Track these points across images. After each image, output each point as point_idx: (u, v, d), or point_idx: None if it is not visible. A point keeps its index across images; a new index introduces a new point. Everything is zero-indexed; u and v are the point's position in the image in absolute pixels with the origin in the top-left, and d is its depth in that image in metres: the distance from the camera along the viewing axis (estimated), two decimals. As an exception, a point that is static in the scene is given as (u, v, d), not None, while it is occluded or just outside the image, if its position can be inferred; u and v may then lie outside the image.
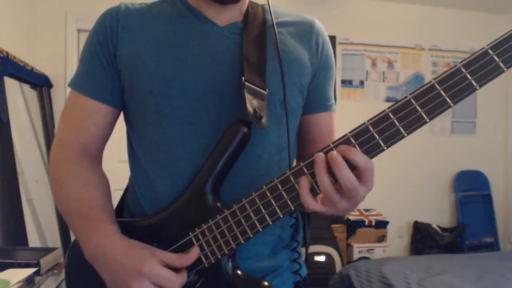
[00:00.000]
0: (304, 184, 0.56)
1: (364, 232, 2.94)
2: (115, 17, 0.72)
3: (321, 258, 2.62)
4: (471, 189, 3.37)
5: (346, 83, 3.23)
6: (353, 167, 0.53)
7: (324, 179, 0.54)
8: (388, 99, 3.27)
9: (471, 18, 3.43)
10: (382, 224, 2.97)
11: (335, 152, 0.54)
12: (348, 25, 3.20)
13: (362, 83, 3.26)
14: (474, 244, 3.22)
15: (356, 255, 2.88)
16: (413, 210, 3.29)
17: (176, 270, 0.62)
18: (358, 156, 0.53)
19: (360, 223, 2.93)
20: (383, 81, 3.29)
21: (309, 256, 2.61)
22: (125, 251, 0.62)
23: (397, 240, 3.27)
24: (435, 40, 3.37)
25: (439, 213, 3.38)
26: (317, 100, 0.80)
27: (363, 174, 0.53)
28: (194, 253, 0.64)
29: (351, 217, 2.95)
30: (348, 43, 3.21)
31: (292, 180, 0.59)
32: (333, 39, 3.15)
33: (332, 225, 2.79)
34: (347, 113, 2.85)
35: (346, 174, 0.52)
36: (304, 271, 0.79)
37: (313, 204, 0.56)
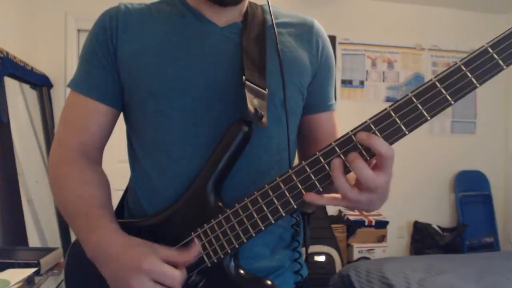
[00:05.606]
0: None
1: (364, 232, 2.94)
2: (115, 18, 0.72)
3: (321, 258, 2.62)
4: (471, 189, 3.37)
5: (346, 83, 3.23)
6: (372, 154, 0.54)
7: (342, 184, 0.54)
8: (388, 99, 3.26)
9: (471, 18, 3.43)
10: (382, 224, 2.97)
11: (353, 154, 0.54)
12: (348, 25, 3.20)
13: (362, 83, 3.26)
14: (474, 244, 3.22)
15: (356, 255, 2.88)
16: (413, 210, 3.29)
17: (175, 266, 0.61)
18: (380, 143, 0.52)
19: (360, 223, 2.93)
20: (383, 81, 3.29)
21: (309, 256, 2.61)
22: (125, 248, 0.61)
23: (397, 240, 3.27)
24: (435, 40, 3.37)
25: (439, 213, 3.38)
26: (318, 100, 0.80)
27: (384, 162, 0.53)
28: (196, 248, 0.63)
29: (351, 217, 2.95)
30: (348, 43, 3.21)
31: (294, 178, 0.59)
32: (333, 39, 3.14)
33: (332, 225, 2.78)
34: (347, 113, 2.85)
35: (366, 174, 0.53)
36: (305, 271, 0.79)
37: (346, 190, 0.55)
